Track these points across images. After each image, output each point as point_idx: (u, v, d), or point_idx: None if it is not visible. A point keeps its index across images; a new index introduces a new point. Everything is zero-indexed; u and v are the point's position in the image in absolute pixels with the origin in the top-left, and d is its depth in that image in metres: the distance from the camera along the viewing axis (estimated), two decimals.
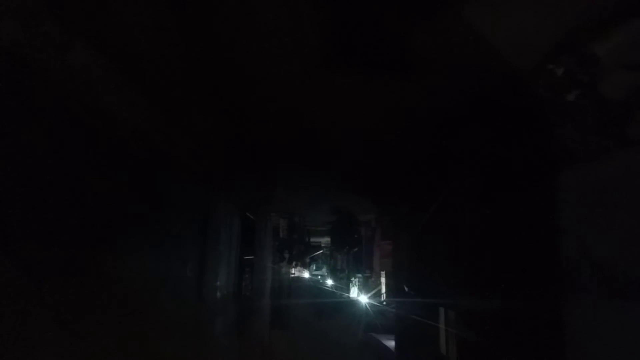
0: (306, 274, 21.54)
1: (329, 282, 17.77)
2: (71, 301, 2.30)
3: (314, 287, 18.40)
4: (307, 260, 13.98)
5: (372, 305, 12.72)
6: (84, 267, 2.44)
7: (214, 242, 5.60)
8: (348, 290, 15.55)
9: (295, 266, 17.89)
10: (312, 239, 13.81)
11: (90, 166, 2.54)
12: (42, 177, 2.09)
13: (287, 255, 10.39)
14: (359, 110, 3.51)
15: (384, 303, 12.09)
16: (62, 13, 2.01)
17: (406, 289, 6.36)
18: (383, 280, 12.77)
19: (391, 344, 8.37)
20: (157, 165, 3.61)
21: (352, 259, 12.74)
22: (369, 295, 13.46)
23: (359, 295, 14.37)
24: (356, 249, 11.35)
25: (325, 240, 16.20)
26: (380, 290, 13.00)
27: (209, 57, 2.73)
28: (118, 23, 2.24)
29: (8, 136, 1.87)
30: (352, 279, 15.02)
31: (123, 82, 2.75)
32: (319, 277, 20.89)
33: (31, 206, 2.01)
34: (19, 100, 1.95)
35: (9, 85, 1.88)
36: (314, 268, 21.26)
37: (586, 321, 2.43)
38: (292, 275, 20.32)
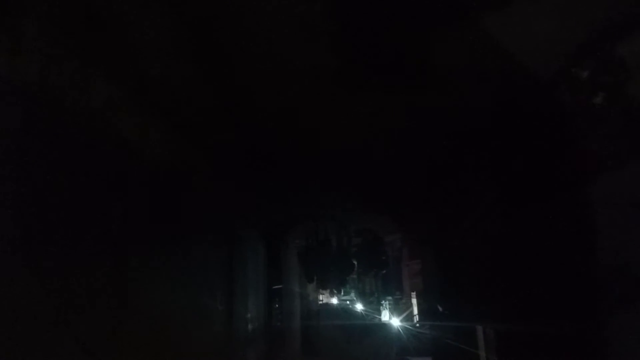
0: (334, 300, 21.20)
1: (359, 306, 17.44)
2: (97, 331, 2.32)
3: (344, 311, 18.04)
4: (342, 284, 13.05)
5: (404, 328, 12.36)
6: (109, 296, 2.46)
7: (241, 273, 5.60)
8: (379, 314, 15.21)
9: (329, 293, 17.48)
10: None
11: (116, 195, 2.60)
12: (69, 210, 2.14)
13: (316, 279, 10.02)
14: (380, 125, 3.50)
15: (417, 325, 11.73)
16: (82, 50, 2.10)
17: (440, 309, 6.17)
18: (414, 301, 12.44)
19: None
20: (181, 193, 3.66)
21: (380, 281, 12.49)
22: (401, 317, 13.10)
23: (391, 318, 14.01)
24: (384, 271, 11.12)
25: None
26: (412, 311, 12.64)
27: (226, 81, 2.78)
28: (133, 52, 2.31)
29: (41, 174, 1.95)
30: (382, 301, 14.70)
31: (143, 111, 2.82)
32: (348, 302, 20.53)
33: (63, 235, 2.07)
34: (46, 139, 2.02)
35: (36, 125, 1.96)
36: (342, 293, 20.90)
37: (630, 338, 2.30)
38: (321, 302, 20.04)
